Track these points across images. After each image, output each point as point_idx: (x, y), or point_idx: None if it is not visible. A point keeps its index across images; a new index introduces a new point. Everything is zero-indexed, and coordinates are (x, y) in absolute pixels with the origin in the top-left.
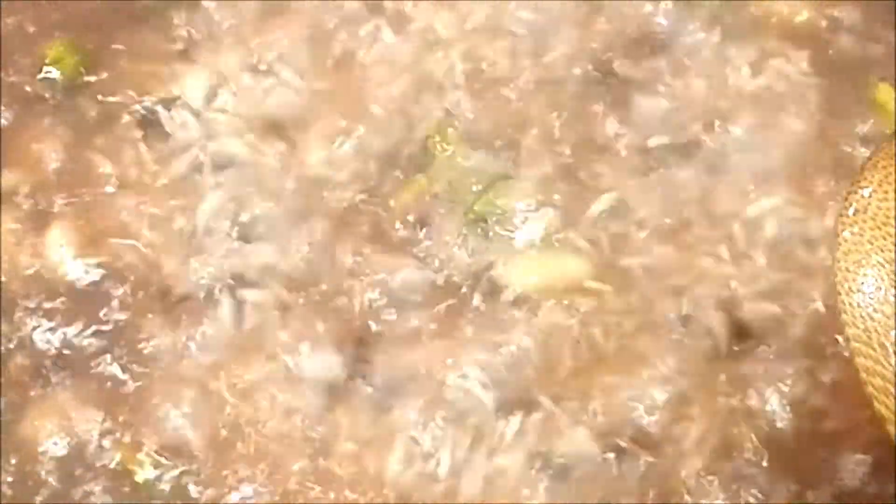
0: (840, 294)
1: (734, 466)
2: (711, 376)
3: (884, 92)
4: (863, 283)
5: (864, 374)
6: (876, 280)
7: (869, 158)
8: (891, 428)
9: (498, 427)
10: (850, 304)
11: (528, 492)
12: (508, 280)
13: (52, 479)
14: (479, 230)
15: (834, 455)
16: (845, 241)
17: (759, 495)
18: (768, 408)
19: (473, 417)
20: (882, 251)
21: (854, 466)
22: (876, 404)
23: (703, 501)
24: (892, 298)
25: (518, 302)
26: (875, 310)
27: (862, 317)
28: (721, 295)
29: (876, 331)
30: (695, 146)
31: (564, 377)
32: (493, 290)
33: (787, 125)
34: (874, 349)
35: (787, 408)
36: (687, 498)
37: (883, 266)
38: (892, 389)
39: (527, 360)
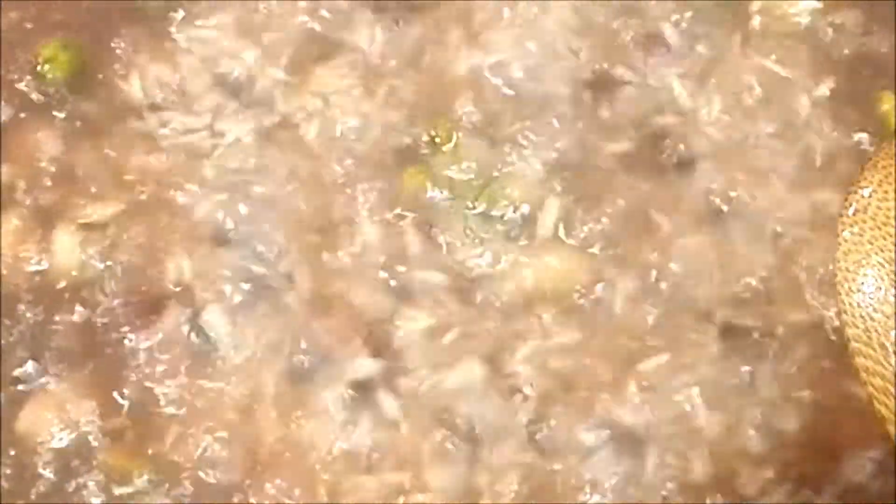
0: (840, 294)
1: (736, 466)
2: (714, 373)
3: (887, 101)
4: (863, 283)
5: (864, 374)
6: (876, 280)
7: (869, 159)
8: (891, 428)
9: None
10: (850, 304)
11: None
12: (510, 275)
13: (48, 473)
14: (480, 224)
15: (837, 454)
16: (845, 241)
17: (762, 494)
18: (771, 406)
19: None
20: (882, 251)
21: (857, 465)
22: (876, 404)
23: (707, 502)
24: (892, 298)
25: (519, 298)
26: (875, 310)
27: (862, 317)
28: (725, 292)
29: (876, 331)
30: (694, 147)
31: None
32: (494, 285)
33: (788, 129)
34: (874, 349)
35: (790, 407)
36: (690, 498)
37: (883, 266)
38: (892, 389)
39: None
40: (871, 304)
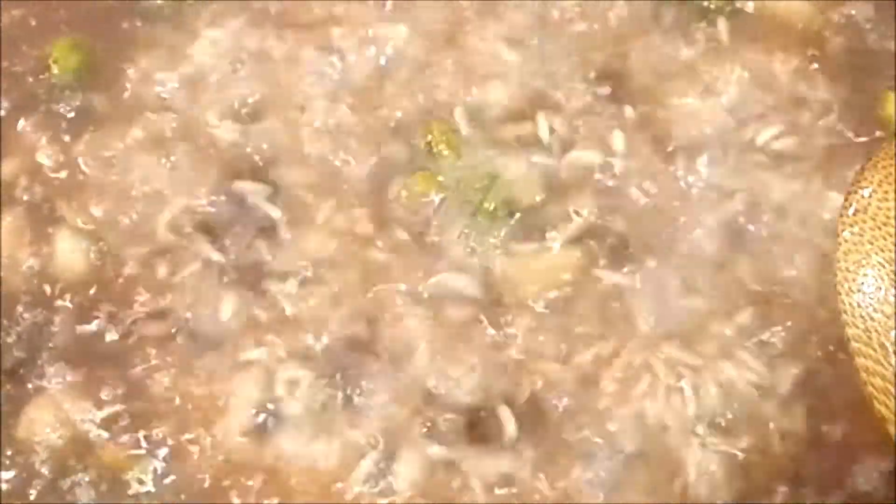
0: (840, 294)
1: (744, 468)
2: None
3: (889, 102)
4: (863, 283)
5: (864, 374)
6: (876, 280)
7: (869, 159)
8: (891, 428)
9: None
10: (850, 304)
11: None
12: (512, 279)
13: (45, 471)
14: (483, 227)
15: (846, 460)
16: (845, 241)
17: (767, 495)
18: (780, 410)
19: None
20: (882, 251)
21: (866, 471)
22: (876, 404)
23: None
24: (892, 298)
25: (521, 301)
26: (875, 310)
27: (862, 317)
28: (736, 293)
29: (876, 331)
30: (696, 144)
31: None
32: (497, 289)
33: (789, 130)
34: (874, 349)
35: (800, 412)
36: (699, 499)
37: (883, 266)
38: (892, 389)
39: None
40: (871, 304)
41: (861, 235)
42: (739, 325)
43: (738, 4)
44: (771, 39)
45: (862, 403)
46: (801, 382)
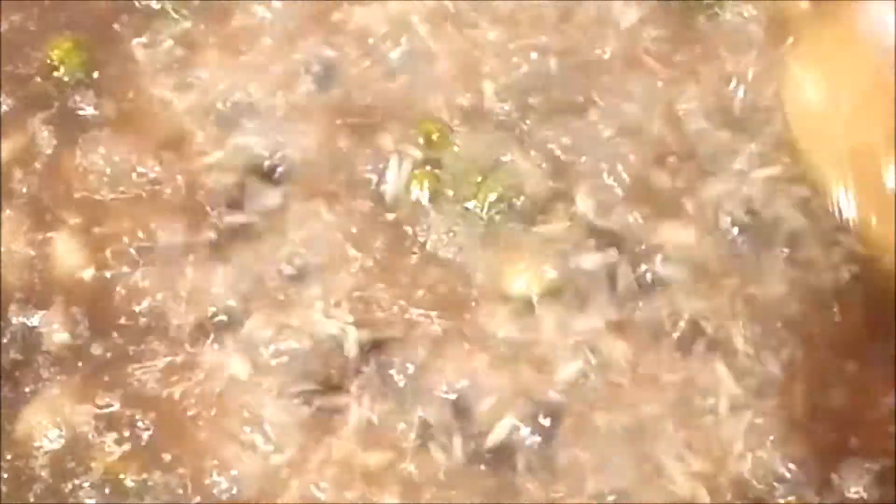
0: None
1: (738, 470)
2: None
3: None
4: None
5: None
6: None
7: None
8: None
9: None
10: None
11: None
12: (507, 274)
13: (45, 475)
14: (480, 220)
15: (838, 461)
16: (790, 77)
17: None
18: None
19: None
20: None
21: (858, 473)
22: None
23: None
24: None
25: (518, 296)
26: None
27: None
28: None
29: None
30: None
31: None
32: (493, 285)
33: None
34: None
35: (793, 412)
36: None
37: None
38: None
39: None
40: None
41: (802, 70)
42: None
43: (736, 4)
44: (769, 39)
45: (855, 406)
46: (794, 382)
